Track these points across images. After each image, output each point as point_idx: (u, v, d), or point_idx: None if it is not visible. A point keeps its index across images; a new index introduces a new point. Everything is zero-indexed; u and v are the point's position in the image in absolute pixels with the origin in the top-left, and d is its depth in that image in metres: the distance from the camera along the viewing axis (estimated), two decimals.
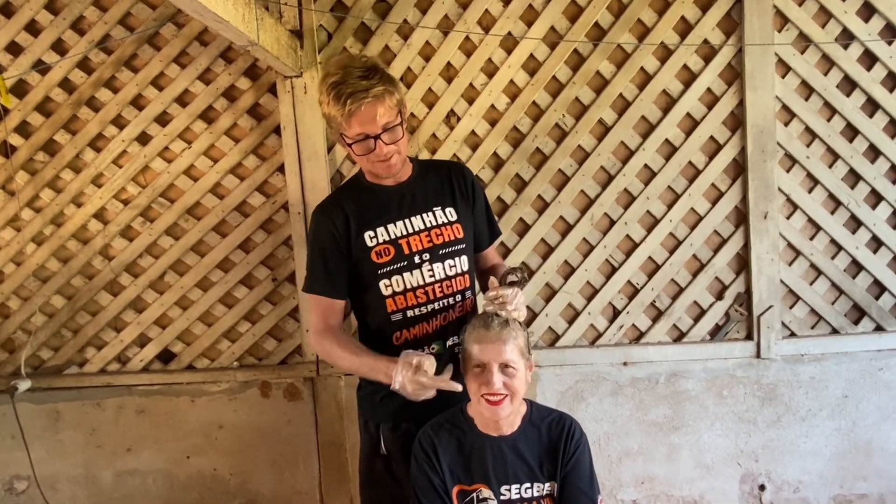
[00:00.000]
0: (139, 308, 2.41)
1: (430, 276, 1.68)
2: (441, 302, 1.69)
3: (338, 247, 1.69)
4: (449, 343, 1.70)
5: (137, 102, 2.33)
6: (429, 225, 1.71)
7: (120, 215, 2.37)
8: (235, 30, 1.61)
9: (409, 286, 1.69)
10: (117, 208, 2.38)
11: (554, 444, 1.57)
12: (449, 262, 1.70)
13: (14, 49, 2.32)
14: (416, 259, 1.69)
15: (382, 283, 1.69)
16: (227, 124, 2.32)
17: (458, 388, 1.53)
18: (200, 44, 2.29)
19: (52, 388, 2.43)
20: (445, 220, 1.72)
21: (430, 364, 1.52)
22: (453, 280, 1.71)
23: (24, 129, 2.36)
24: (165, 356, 2.43)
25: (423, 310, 1.69)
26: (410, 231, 1.70)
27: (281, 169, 2.31)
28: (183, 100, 2.32)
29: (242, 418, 2.41)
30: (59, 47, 2.32)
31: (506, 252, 2.30)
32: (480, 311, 1.64)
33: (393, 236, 1.69)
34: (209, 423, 2.42)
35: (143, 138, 2.34)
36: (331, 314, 1.72)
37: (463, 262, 1.72)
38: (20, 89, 2.34)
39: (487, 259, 1.86)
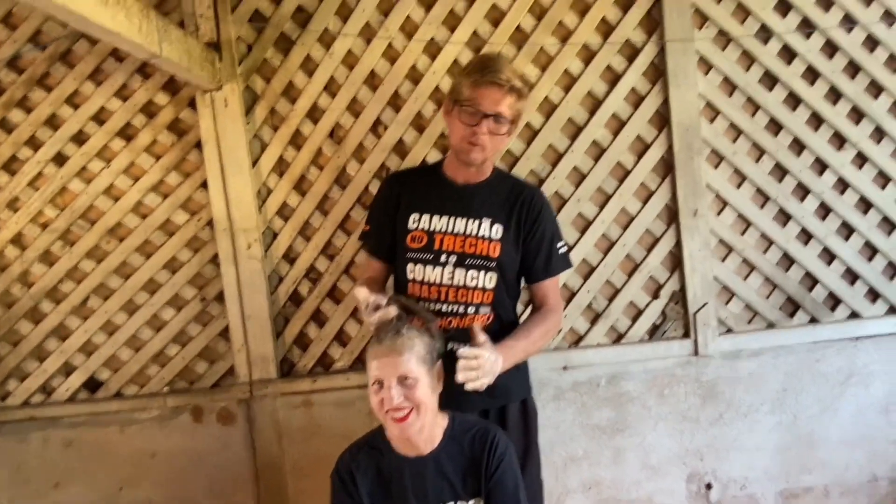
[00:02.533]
0: (62, 335, 2.31)
1: (450, 279, 1.70)
2: (451, 306, 1.71)
3: (389, 215, 1.76)
4: (449, 347, 1.65)
5: (52, 122, 2.25)
6: (469, 232, 1.71)
7: (38, 240, 2.28)
8: (131, 42, 1.55)
9: (428, 280, 1.72)
10: (35, 233, 2.28)
11: (476, 459, 1.51)
12: (472, 272, 1.70)
13: None
14: (443, 258, 1.71)
15: (409, 267, 1.73)
16: (147, 141, 2.25)
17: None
18: (116, 59, 2.22)
19: None
20: (487, 235, 1.71)
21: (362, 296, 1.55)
22: (470, 291, 1.71)
23: None
24: (92, 384, 2.33)
25: (433, 307, 1.70)
26: (449, 230, 1.71)
27: (204, 185, 2.24)
28: (100, 117, 2.25)
29: (175, 445, 2.31)
30: None
31: None
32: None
33: (432, 228, 1.72)
34: (141, 453, 2.32)
35: (60, 159, 2.26)
36: (374, 273, 1.82)
37: (487, 280, 1.71)
38: None
39: (538, 296, 1.79)
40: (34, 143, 2.26)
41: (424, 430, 1.47)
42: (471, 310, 1.72)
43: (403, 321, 1.48)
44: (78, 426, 2.31)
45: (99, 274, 2.28)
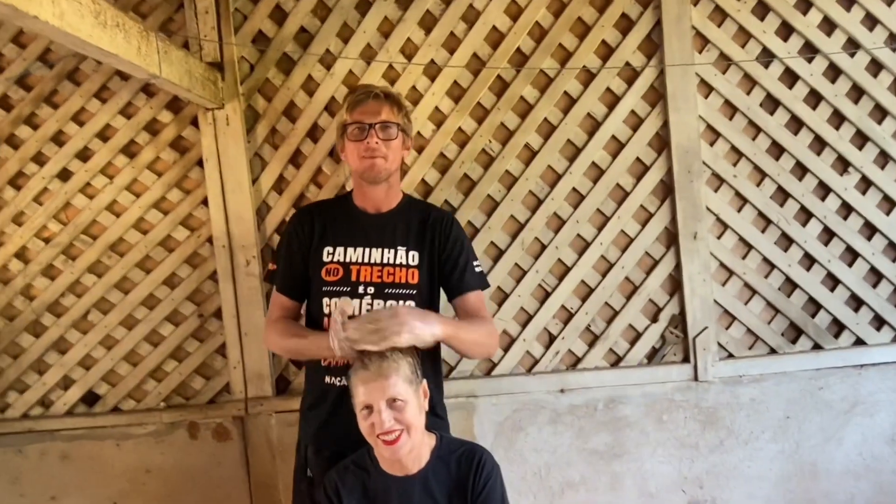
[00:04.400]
0: (62, 349, 2.33)
1: (368, 310, 1.65)
2: None
3: (302, 251, 1.73)
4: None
5: (58, 139, 2.29)
6: (385, 262, 1.69)
7: (41, 254, 2.31)
8: (129, 63, 1.58)
9: (347, 313, 1.65)
10: (38, 247, 2.32)
11: (463, 479, 1.50)
12: (392, 303, 1.66)
13: None
14: (361, 289, 1.68)
15: (324, 301, 1.69)
16: (150, 158, 2.28)
17: None
18: (121, 78, 2.26)
19: None
20: (404, 262, 1.70)
21: (347, 304, 1.58)
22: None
23: None
24: (90, 398, 2.35)
25: None
26: (365, 261, 1.70)
27: (205, 202, 2.26)
28: (104, 135, 2.29)
29: (170, 461, 2.32)
30: None
31: None
32: None
33: (347, 259, 1.70)
34: (136, 468, 2.32)
35: (65, 175, 2.30)
36: (288, 312, 1.77)
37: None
38: None
39: (467, 312, 1.74)
40: (40, 159, 2.30)
41: (414, 450, 1.46)
42: None
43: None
44: (75, 440, 2.32)
45: (100, 288, 2.30)
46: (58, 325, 2.31)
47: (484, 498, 1.48)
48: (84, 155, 2.29)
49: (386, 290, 1.67)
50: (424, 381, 1.50)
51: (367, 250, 1.69)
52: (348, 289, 1.67)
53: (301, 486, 1.77)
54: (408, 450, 1.44)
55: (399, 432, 1.40)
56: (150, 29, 1.68)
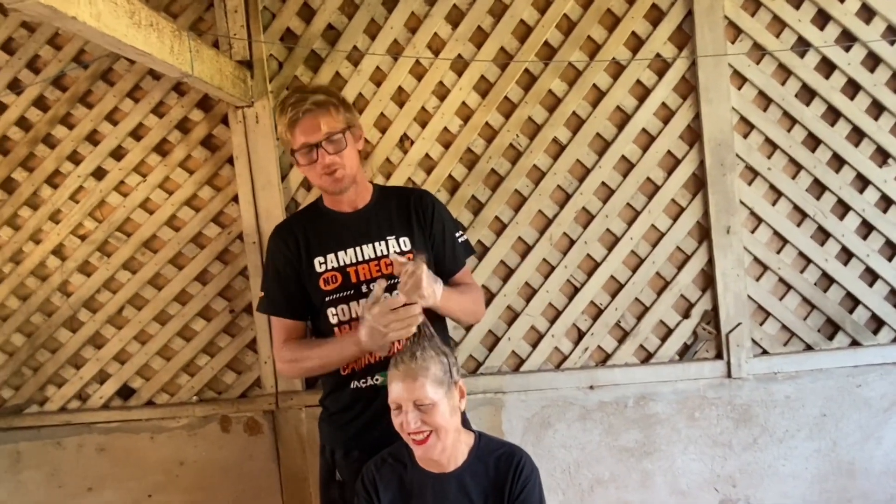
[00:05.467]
0: (98, 344, 2.38)
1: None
2: None
3: (292, 268, 1.70)
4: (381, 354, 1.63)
5: (93, 138, 2.34)
6: (380, 254, 1.68)
7: (77, 251, 2.36)
8: (163, 62, 1.60)
9: (354, 315, 1.68)
10: (75, 244, 2.37)
11: (501, 481, 1.49)
12: (396, 292, 1.64)
13: None
14: (364, 288, 1.67)
15: (329, 311, 1.68)
16: (182, 156, 2.31)
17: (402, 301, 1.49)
18: (153, 77, 2.30)
19: (12, 427, 2.39)
20: (398, 250, 1.69)
21: (379, 287, 1.51)
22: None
23: None
24: (125, 392, 2.40)
25: None
26: (360, 259, 1.68)
27: (235, 199, 2.29)
28: (137, 133, 2.33)
29: (203, 454, 2.35)
30: (16, 86, 2.34)
31: None
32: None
33: (342, 264, 1.68)
34: (170, 460, 2.36)
35: (99, 173, 2.34)
36: (293, 333, 1.73)
37: None
38: None
39: (459, 284, 1.79)
40: (75, 158, 2.35)
41: (447, 450, 1.46)
42: None
43: (419, 343, 1.47)
44: (111, 432, 2.38)
45: (134, 285, 2.35)
46: (94, 320, 2.37)
47: (522, 500, 1.47)
48: (118, 153, 2.33)
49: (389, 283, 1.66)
50: (461, 381, 1.49)
51: (358, 249, 1.68)
52: (351, 292, 1.66)
53: (330, 491, 1.76)
54: (439, 450, 1.44)
55: (427, 433, 1.41)
56: (182, 28, 1.70)
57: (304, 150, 1.60)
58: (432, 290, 1.52)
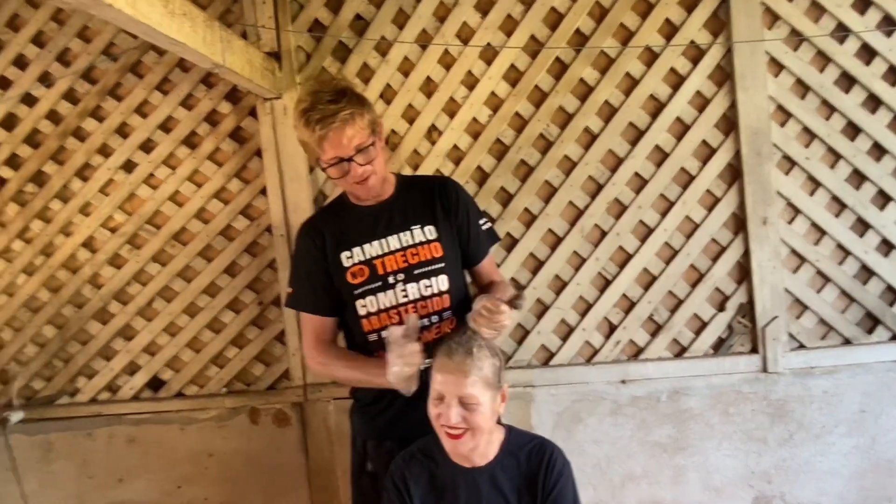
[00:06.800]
0: (128, 336, 2.40)
1: (404, 297, 1.65)
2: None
3: (320, 266, 1.69)
4: (423, 366, 1.62)
5: (122, 130, 2.35)
6: (405, 244, 1.67)
7: (108, 243, 2.37)
8: (195, 52, 1.59)
9: (382, 307, 1.67)
10: (105, 236, 2.38)
11: (533, 475, 1.46)
12: (424, 282, 1.65)
13: (2, 83, 2.36)
14: (391, 279, 1.66)
15: (358, 304, 1.68)
16: (210, 149, 2.31)
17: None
18: (182, 70, 2.30)
19: (43, 418, 2.42)
20: (423, 239, 1.68)
21: (413, 321, 1.53)
22: (429, 301, 1.66)
23: (13, 162, 2.39)
24: (155, 384, 2.41)
25: None
26: (386, 251, 1.67)
27: (264, 191, 2.29)
28: (166, 126, 2.33)
29: (232, 446, 2.36)
30: (46, 79, 2.35)
31: None
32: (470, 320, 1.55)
33: (368, 256, 1.67)
34: (199, 452, 2.38)
35: (129, 166, 2.35)
36: (322, 331, 1.72)
37: (441, 282, 1.67)
38: (9, 122, 2.38)
39: (483, 274, 1.79)
40: (105, 151, 2.36)
41: (478, 448, 1.44)
42: (435, 319, 1.66)
43: (478, 338, 1.44)
44: (141, 424, 2.39)
45: (163, 277, 2.35)
46: (124, 312, 2.38)
47: (556, 496, 1.44)
48: (147, 146, 2.34)
49: (415, 272, 1.65)
50: (505, 386, 1.46)
51: (384, 240, 1.67)
52: (379, 283, 1.65)
53: (362, 482, 1.76)
54: (469, 448, 1.42)
55: (464, 431, 1.38)
56: (213, 18, 1.69)
57: (334, 163, 1.59)
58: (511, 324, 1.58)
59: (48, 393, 2.44)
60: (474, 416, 1.38)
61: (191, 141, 2.33)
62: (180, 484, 2.40)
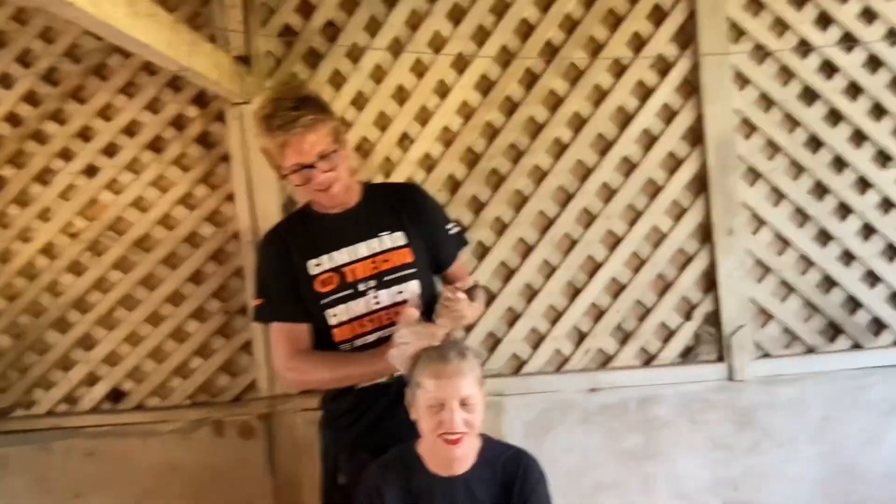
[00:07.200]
0: (88, 346, 2.32)
1: (376, 304, 1.62)
2: (388, 330, 1.60)
3: (288, 274, 1.65)
4: (398, 373, 1.60)
5: (85, 134, 2.28)
6: (374, 251, 1.65)
7: (67, 250, 2.30)
8: (160, 54, 1.56)
9: (354, 315, 1.64)
10: (65, 243, 2.31)
11: (509, 485, 1.46)
12: (396, 288, 1.63)
13: None
14: (361, 286, 1.63)
15: (328, 313, 1.64)
16: (176, 153, 2.26)
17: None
18: (148, 73, 2.25)
19: None
20: (392, 246, 1.66)
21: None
22: (402, 306, 1.62)
23: None
24: (115, 395, 2.33)
25: (371, 337, 1.63)
26: (355, 258, 1.65)
27: (231, 197, 2.25)
28: (131, 130, 2.27)
29: (195, 459, 2.29)
30: (6, 81, 2.28)
31: None
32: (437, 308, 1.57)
33: (337, 264, 1.64)
34: (161, 465, 2.30)
35: (91, 170, 2.29)
36: (298, 339, 1.66)
37: (412, 288, 1.64)
38: None
39: (455, 277, 1.77)
40: (66, 155, 2.29)
41: (469, 451, 1.44)
42: None
43: (460, 344, 1.45)
44: (100, 437, 2.31)
45: (126, 285, 2.29)
46: (84, 321, 2.30)
47: None
48: (111, 150, 2.28)
49: (385, 279, 1.63)
50: (485, 387, 1.47)
51: (353, 248, 1.64)
52: (350, 291, 1.62)
53: (333, 496, 1.71)
54: (466, 451, 1.41)
55: (464, 434, 1.38)
56: (180, 20, 1.66)
57: (296, 170, 1.55)
58: (472, 315, 1.61)
59: (2, 405, 2.34)
60: (474, 416, 1.38)
61: (156, 145, 2.27)
62: (141, 499, 2.32)
